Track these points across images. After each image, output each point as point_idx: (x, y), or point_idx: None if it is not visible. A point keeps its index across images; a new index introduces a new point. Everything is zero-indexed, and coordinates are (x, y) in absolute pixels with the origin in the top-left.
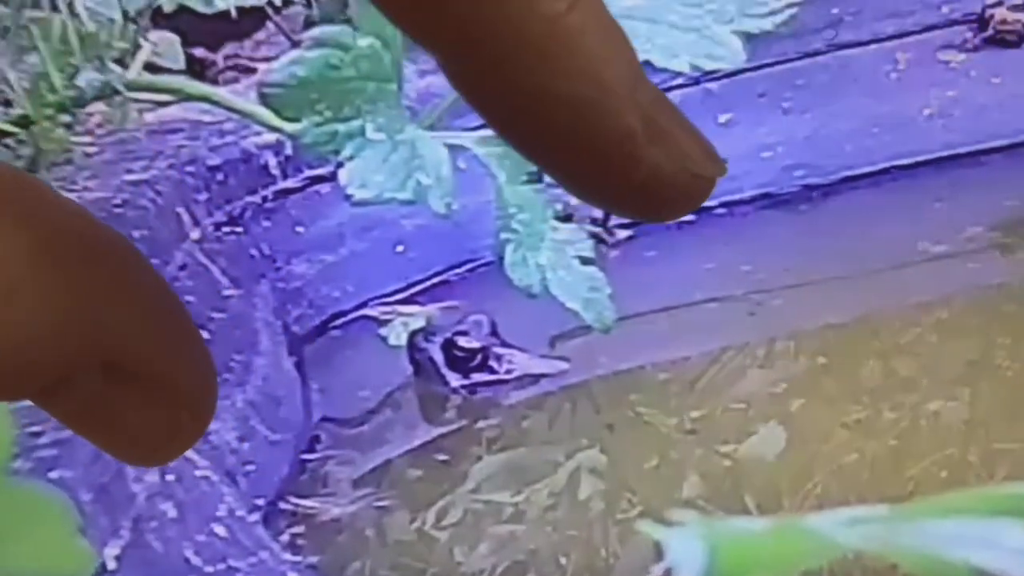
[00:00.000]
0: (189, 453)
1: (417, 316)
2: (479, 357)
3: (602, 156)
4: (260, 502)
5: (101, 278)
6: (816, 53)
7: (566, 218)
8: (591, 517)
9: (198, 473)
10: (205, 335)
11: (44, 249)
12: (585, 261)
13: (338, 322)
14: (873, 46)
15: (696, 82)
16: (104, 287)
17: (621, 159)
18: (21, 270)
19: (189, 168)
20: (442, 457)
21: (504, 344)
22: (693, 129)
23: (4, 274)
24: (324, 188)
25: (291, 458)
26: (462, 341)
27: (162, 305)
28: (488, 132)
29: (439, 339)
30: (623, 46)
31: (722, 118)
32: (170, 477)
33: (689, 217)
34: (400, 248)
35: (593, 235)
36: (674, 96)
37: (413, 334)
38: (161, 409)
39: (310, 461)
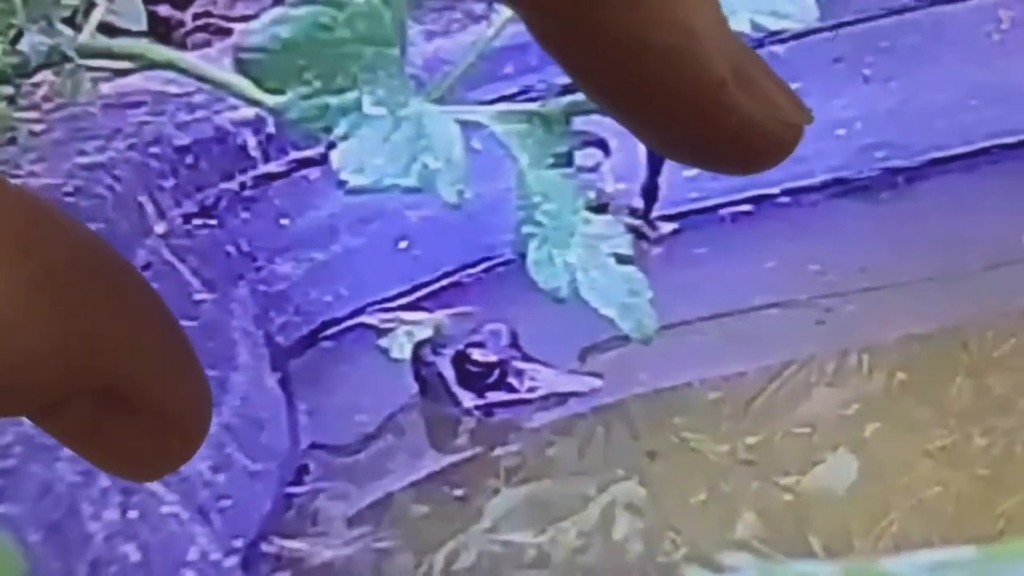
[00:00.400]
0: (154, 486)
1: (423, 324)
2: (496, 373)
3: (694, 105)
4: (238, 543)
5: (100, 310)
6: (904, 10)
7: (600, 208)
8: (628, 561)
9: (165, 510)
10: None
11: (45, 281)
12: (622, 259)
13: (330, 332)
14: (973, 1)
15: (759, 44)
16: (102, 319)
17: (713, 108)
18: (20, 302)
19: (153, 149)
20: (453, 491)
21: (526, 358)
22: (778, 78)
23: (3, 306)
24: (313, 173)
25: (275, 492)
26: (477, 354)
27: (159, 334)
28: (508, 107)
29: (449, 352)
30: None
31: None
32: (132, 514)
33: (746, 207)
34: (403, 244)
35: (632, 229)
36: None
37: (419, 346)
38: (151, 434)
39: (297, 495)
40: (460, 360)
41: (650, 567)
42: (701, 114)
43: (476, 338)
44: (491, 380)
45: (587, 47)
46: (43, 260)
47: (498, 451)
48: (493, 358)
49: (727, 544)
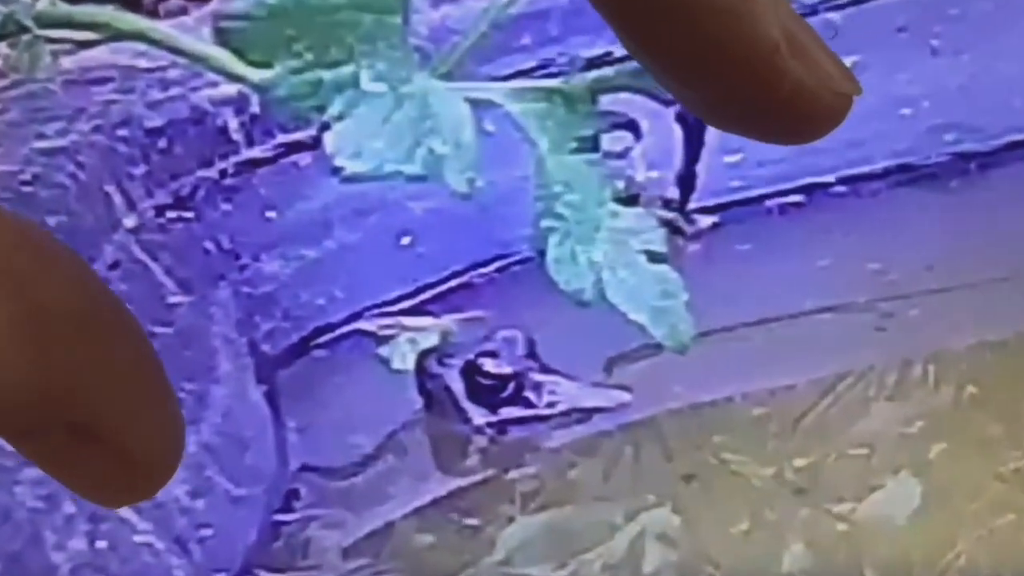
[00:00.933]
0: (126, 512)
1: (429, 331)
2: (511, 386)
3: (747, 69)
4: None
5: (79, 355)
6: None
7: (630, 200)
8: None
9: (138, 539)
10: None
11: (29, 321)
12: (655, 257)
13: (323, 339)
14: None
15: (813, 11)
16: (80, 364)
17: (766, 71)
18: (2, 339)
19: (121, 132)
20: (462, 518)
21: (544, 369)
22: (827, 47)
23: None
24: (304, 159)
25: (261, 520)
26: (489, 365)
27: (136, 379)
28: (525, 83)
29: (458, 362)
30: None
31: (847, 61)
32: (101, 544)
33: (796, 198)
34: (406, 240)
35: (666, 223)
36: None
37: (423, 355)
38: (118, 467)
39: (287, 523)
40: (470, 372)
41: None
42: (754, 77)
43: (488, 347)
44: (505, 394)
45: (640, 8)
46: (30, 301)
47: (513, 474)
48: (507, 370)
49: None
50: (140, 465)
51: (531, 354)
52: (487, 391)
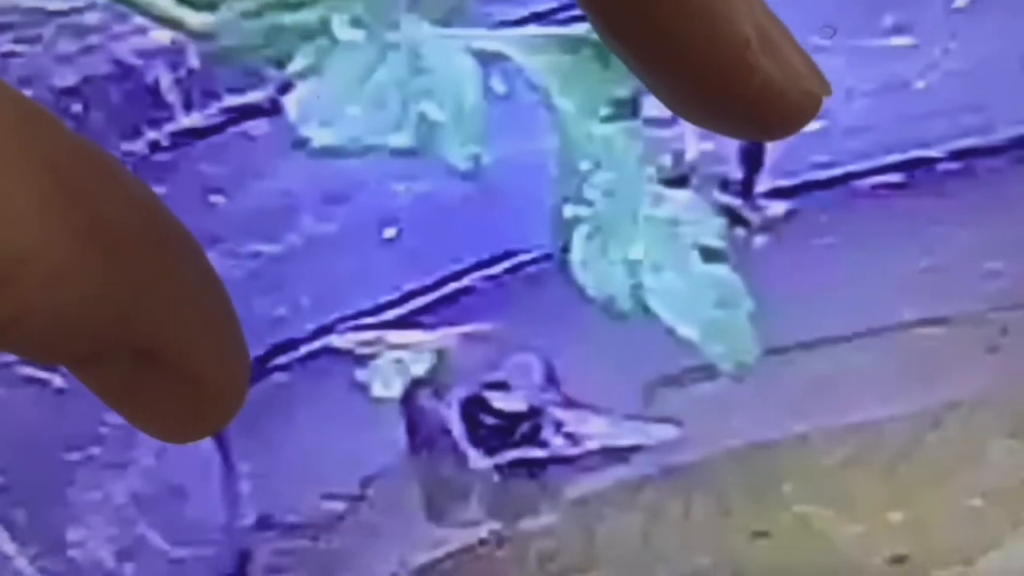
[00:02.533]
0: (31, 573)
1: (420, 350)
2: (525, 426)
3: (717, 63)
4: None
5: (146, 270)
6: None
7: (678, 180)
8: None
9: None
10: (57, 381)
11: (96, 233)
12: (710, 255)
13: (284, 359)
14: None
15: None
16: (147, 280)
17: (736, 66)
18: (69, 251)
19: (25, 91)
20: None
21: (568, 402)
22: (799, 46)
23: (53, 253)
24: (258, 127)
25: None
26: (498, 401)
27: (203, 303)
28: (542, 30)
29: (458, 395)
30: None
31: (959, 2)
32: None
33: (894, 177)
34: (390, 232)
35: (725, 210)
36: None
37: (414, 386)
38: (184, 398)
39: None
40: (473, 408)
41: None
42: (724, 71)
43: (496, 376)
44: (517, 436)
45: None
46: (95, 212)
47: (525, 528)
48: (521, 406)
49: None
50: (209, 393)
51: (551, 383)
52: (494, 433)
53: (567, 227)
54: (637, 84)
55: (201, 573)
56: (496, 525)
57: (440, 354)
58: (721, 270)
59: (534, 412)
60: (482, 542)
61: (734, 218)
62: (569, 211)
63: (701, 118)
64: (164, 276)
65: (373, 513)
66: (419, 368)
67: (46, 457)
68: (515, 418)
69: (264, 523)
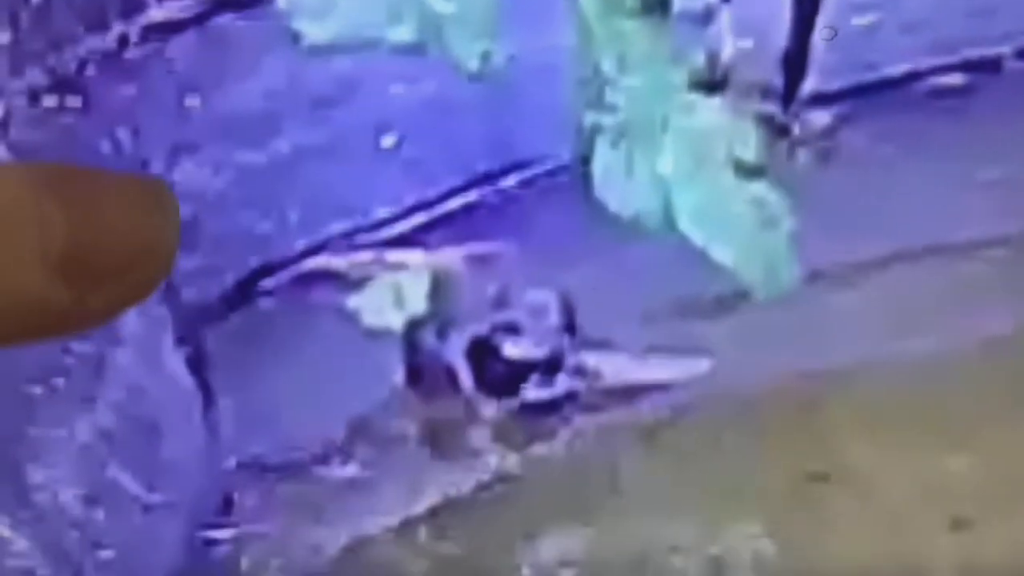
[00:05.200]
0: None
1: (418, 272)
2: (538, 371)
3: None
4: None
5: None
6: None
7: (713, 85)
8: None
9: (14, 563)
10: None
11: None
12: (747, 170)
13: (270, 282)
14: None
15: None
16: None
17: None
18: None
19: None
20: (466, 535)
21: (587, 344)
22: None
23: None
24: (241, 19)
25: (183, 537)
26: (509, 348)
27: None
28: None
29: (464, 337)
30: None
31: None
32: None
33: (955, 79)
34: (389, 140)
35: (765, 119)
36: None
37: (414, 327)
38: None
39: (219, 543)
40: (481, 352)
41: None
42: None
43: (507, 316)
44: (530, 381)
45: None
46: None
47: (536, 471)
48: (535, 353)
49: None
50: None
51: (569, 325)
52: (504, 381)
53: (587, 136)
54: None
55: (179, 521)
56: (506, 465)
57: (442, 279)
58: (759, 186)
59: (550, 360)
60: (489, 484)
61: (774, 128)
62: (590, 117)
63: None
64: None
65: (369, 451)
66: (419, 294)
67: (3, 390)
68: (527, 366)
69: (246, 465)
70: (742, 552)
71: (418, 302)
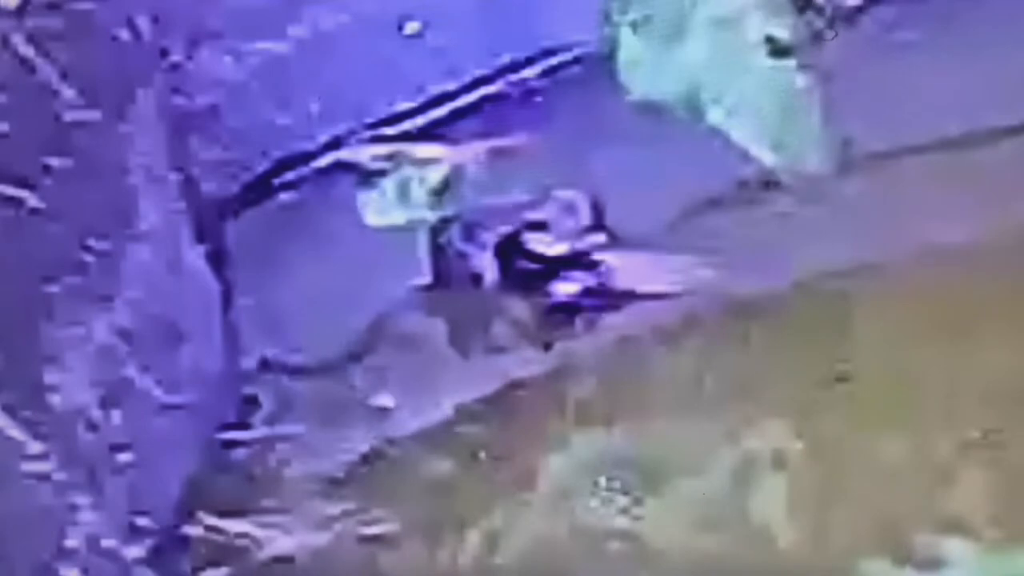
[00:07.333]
0: (12, 430)
1: (440, 164)
2: (565, 269)
3: None
4: (145, 523)
5: None
6: None
7: None
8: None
9: (29, 467)
10: (33, 201)
11: None
12: (778, 50)
13: (291, 175)
14: None
15: None
16: None
17: None
18: None
19: None
20: (490, 440)
21: (615, 241)
22: None
23: None
24: None
25: (203, 440)
26: (536, 243)
27: None
28: None
29: (491, 235)
30: None
31: None
32: None
33: None
34: (412, 28)
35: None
36: None
37: (440, 228)
38: None
39: (240, 444)
40: (508, 250)
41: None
42: None
43: (535, 214)
44: (558, 280)
45: None
46: None
47: (566, 375)
48: (562, 248)
49: (940, 525)
50: None
51: (597, 225)
52: (532, 278)
53: (614, 24)
54: None
55: (198, 421)
56: (533, 367)
57: (459, 170)
58: (789, 68)
59: (577, 256)
60: (512, 388)
61: (805, 8)
62: (617, 4)
63: None
64: None
65: (392, 353)
66: (435, 180)
67: (18, 288)
68: (555, 263)
69: (269, 364)
70: (766, 451)
71: (437, 198)
